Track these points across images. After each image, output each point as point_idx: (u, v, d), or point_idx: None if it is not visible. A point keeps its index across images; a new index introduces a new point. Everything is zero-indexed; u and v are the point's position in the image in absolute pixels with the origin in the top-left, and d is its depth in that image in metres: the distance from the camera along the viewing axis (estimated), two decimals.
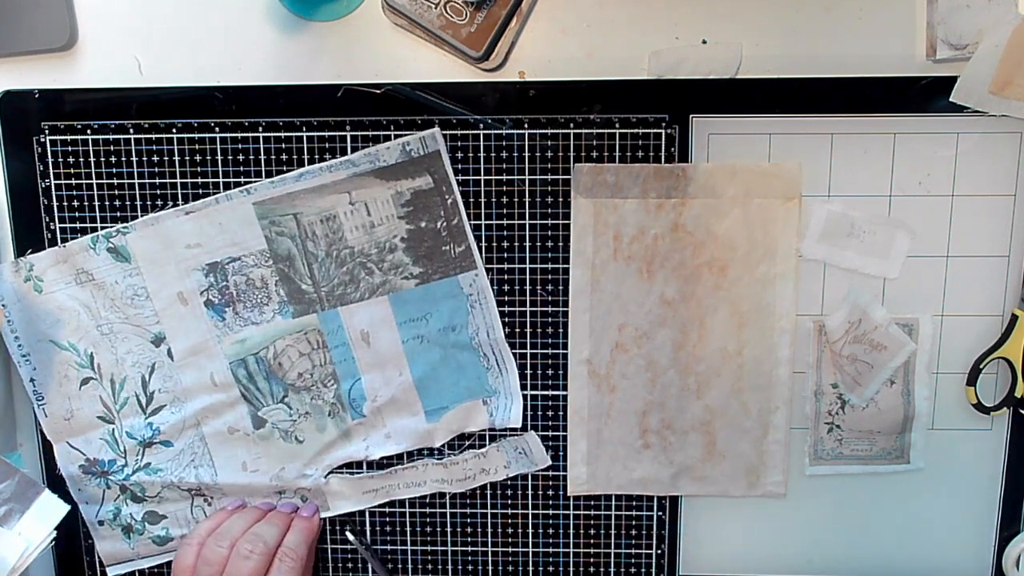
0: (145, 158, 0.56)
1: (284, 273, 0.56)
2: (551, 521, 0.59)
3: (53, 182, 0.56)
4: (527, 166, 0.55)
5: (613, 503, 0.59)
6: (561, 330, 0.57)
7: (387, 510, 0.59)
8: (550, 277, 0.56)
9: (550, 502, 0.59)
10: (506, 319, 0.57)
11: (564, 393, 0.57)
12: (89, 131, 0.55)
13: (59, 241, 0.57)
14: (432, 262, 0.56)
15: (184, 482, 0.59)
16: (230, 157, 0.55)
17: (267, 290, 0.56)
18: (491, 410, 0.57)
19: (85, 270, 0.57)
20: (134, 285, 0.57)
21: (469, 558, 0.60)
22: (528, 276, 0.56)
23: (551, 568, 0.60)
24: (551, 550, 0.60)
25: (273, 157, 0.55)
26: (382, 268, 0.56)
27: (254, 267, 0.56)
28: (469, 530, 0.60)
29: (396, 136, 0.54)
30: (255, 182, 0.55)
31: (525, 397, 0.58)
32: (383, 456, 0.58)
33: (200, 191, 0.56)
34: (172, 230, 0.56)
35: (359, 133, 0.55)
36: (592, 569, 0.60)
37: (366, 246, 0.55)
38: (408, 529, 0.60)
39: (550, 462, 0.58)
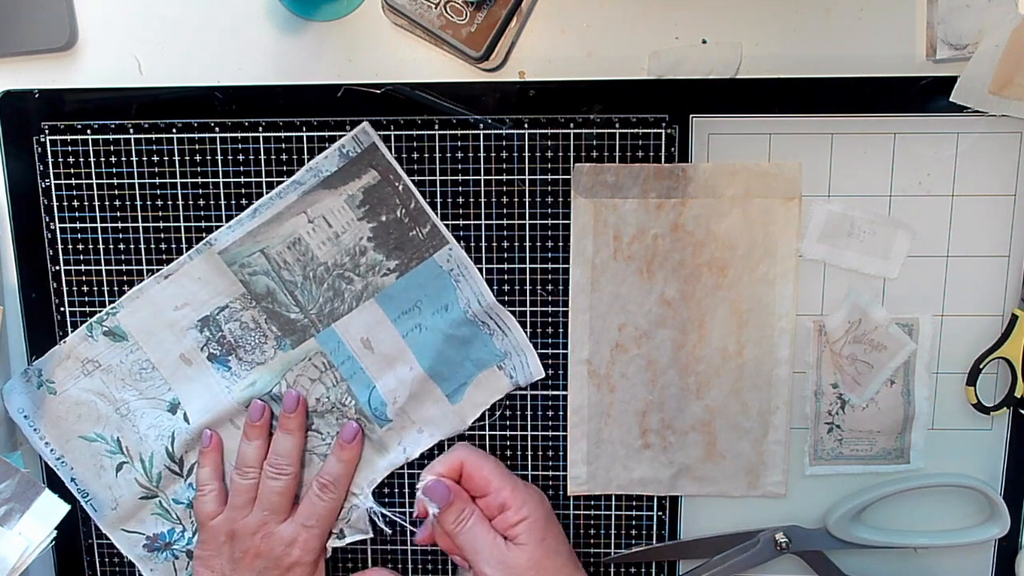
0: (145, 158, 0.56)
1: (270, 309, 0.56)
2: None
3: (53, 182, 0.56)
4: (527, 166, 0.55)
5: (613, 503, 0.59)
6: (561, 330, 0.57)
7: (387, 509, 0.59)
8: (550, 277, 0.56)
9: (550, 502, 0.59)
10: None
11: (564, 393, 0.57)
12: (89, 131, 0.55)
13: (58, 241, 0.57)
14: (405, 251, 0.55)
15: None
16: (230, 157, 0.55)
17: (261, 329, 0.57)
18: (509, 372, 0.57)
19: (90, 359, 0.57)
20: (139, 360, 0.57)
21: None
22: (528, 276, 0.56)
23: None
24: None
25: (273, 157, 0.55)
26: (360, 273, 0.56)
27: (243, 310, 0.56)
28: None
29: (395, 136, 0.55)
30: (216, 227, 0.56)
31: (525, 396, 0.58)
32: (423, 452, 0.58)
33: (200, 191, 0.56)
34: (156, 297, 0.56)
35: None
36: (592, 569, 0.60)
37: (338, 257, 0.55)
38: (408, 528, 0.60)
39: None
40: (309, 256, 0.55)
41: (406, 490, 0.59)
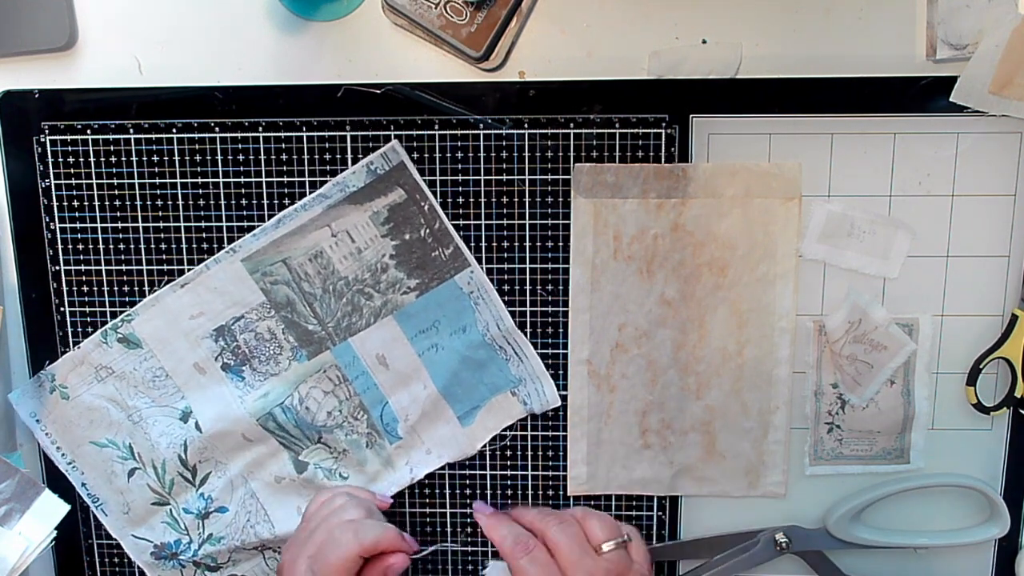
0: (145, 158, 0.56)
1: (288, 319, 0.56)
2: None
3: (53, 182, 0.56)
4: (527, 166, 0.55)
5: (613, 503, 0.59)
6: (561, 330, 0.57)
7: (386, 510, 0.59)
8: (550, 277, 0.56)
9: (550, 502, 0.59)
10: None
11: (564, 393, 0.57)
12: (89, 131, 0.55)
13: (58, 241, 0.57)
14: (426, 271, 0.55)
15: (247, 543, 0.59)
16: (230, 157, 0.55)
17: (277, 340, 0.56)
18: (523, 398, 0.57)
19: (104, 365, 0.57)
20: (152, 368, 0.57)
21: (469, 558, 0.60)
22: (528, 276, 0.56)
23: None
24: None
25: (273, 157, 0.55)
26: (380, 289, 0.56)
27: (259, 321, 0.56)
28: (469, 530, 0.60)
29: (394, 136, 0.55)
30: (239, 238, 0.55)
31: None
32: (427, 474, 0.58)
33: (200, 191, 0.56)
34: (172, 306, 0.56)
35: (359, 133, 0.55)
36: None
37: (359, 272, 0.55)
38: (408, 528, 0.60)
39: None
40: (330, 270, 0.55)
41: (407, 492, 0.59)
